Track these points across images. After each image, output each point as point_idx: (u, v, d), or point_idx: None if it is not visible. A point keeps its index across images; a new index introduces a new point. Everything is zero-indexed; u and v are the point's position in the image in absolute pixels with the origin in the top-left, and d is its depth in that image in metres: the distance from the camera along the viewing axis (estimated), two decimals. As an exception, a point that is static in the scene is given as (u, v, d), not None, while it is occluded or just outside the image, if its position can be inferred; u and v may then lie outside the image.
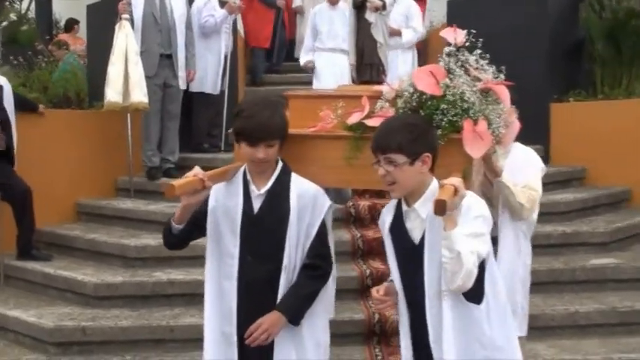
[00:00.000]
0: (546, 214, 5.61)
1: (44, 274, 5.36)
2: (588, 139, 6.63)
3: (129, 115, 6.26)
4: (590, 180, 6.60)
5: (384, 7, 7.51)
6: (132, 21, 6.15)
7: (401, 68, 7.15)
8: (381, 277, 4.87)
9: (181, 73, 6.47)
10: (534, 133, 6.84)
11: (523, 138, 6.93)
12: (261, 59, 9.32)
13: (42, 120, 6.27)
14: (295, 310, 2.77)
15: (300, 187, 2.78)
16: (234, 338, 2.79)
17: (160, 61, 6.32)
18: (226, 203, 2.79)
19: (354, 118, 2.85)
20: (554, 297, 4.94)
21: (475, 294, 2.48)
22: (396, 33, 7.50)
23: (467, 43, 3.02)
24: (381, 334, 4.64)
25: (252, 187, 2.78)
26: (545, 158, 6.82)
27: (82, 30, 9.64)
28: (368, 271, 4.99)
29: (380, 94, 2.89)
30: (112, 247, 5.42)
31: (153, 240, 5.31)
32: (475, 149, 2.66)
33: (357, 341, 4.62)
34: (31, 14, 10.87)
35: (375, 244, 5.25)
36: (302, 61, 7.56)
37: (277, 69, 9.54)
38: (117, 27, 6.05)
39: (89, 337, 4.67)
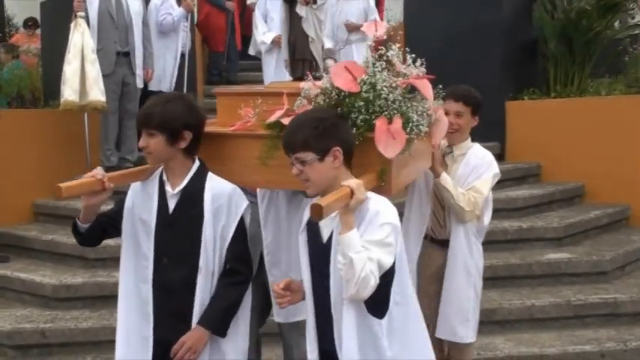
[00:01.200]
0: (503, 210, 5.76)
1: (1, 277, 5.26)
2: (543, 137, 6.79)
3: (86, 114, 6.18)
4: (545, 176, 6.75)
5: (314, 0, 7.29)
6: (87, 19, 6.06)
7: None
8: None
9: (139, 72, 6.41)
10: (490, 130, 6.99)
11: (479, 136, 7.10)
12: (220, 61, 9.19)
13: (-5, 120, 6.15)
14: (219, 323, 2.70)
15: (216, 187, 2.70)
16: (151, 342, 2.71)
17: (117, 59, 6.26)
18: (142, 203, 2.72)
19: (274, 117, 2.69)
20: (511, 291, 5.06)
21: (377, 307, 2.36)
22: (354, 28, 7.19)
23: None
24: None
25: (167, 187, 2.71)
26: (502, 155, 6.99)
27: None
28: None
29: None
30: (70, 248, 5.34)
31: (112, 240, 5.15)
32: (388, 149, 2.50)
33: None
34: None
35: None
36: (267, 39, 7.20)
37: (230, 79, 9.09)
38: (72, 25, 5.96)
39: (49, 340, 4.61)
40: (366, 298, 2.31)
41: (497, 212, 5.69)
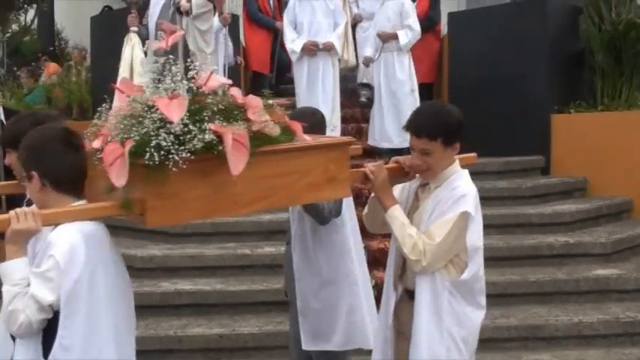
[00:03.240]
0: (549, 224, 5.71)
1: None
2: (589, 150, 6.70)
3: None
4: (592, 191, 6.65)
5: (187, 12, 6.42)
6: (142, 32, 6.19)
7: (399, 74, 6.78)
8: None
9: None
10: (535, 143, 6.98)
11: (525, 149, 7.07)
12: (265, 84, 8.48)
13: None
14: None
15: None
16: None
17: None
18: None
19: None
20: (557, 307, 4.99)
21: (45, 345, 2.18)
22: (390, 37, 6.78)
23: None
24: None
25: None
26: (547, 169, 6.92)
27: (86, 41, 9.69)
28: (373, 282, 5.00)
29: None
30: (118, 258, 5.44)
31: (159, 251, 5.35)
32: (114, 176, 2.11)
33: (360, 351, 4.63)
34: (34, 25, 10.94)
35: (379, 254, 5.29)
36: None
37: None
38: (125, 39, 6.11)
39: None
40: (22, 335, 2.17)
41: (543, 227, 5.70)
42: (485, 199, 5.94)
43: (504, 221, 5.73)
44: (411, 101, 6.62)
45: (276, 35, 8.32)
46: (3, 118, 5.82)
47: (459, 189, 2.71)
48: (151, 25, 6.28)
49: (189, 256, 5.28)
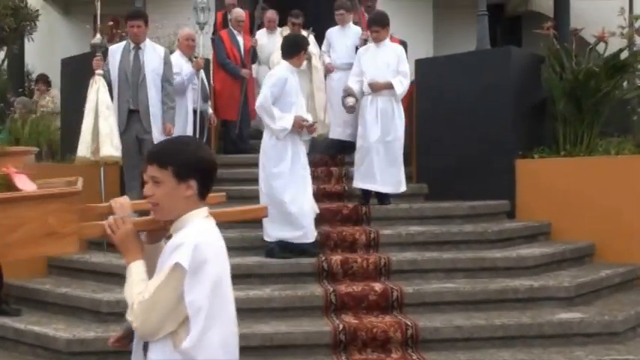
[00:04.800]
0: (514, 268, 5.79)
1: (15, 330, 5.28)
2: (553, 195, 6.86)
3: (102, 168, 6.28)
4: (556, 235, 6.79)
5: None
6: (107, 76, 6.23)
7: (397, 120, 6.72)
8: (355, 332, 4.95)
9: (154, 128, 6.48)
10: (500, 188, 7.12)
11: (490, 193, 7.20)
12: (232, 130, 8.63)
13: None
14: None
15: None
16: None
17: (129, 116, 6.39)
18: None
19: None
20: (522, 351, 5.01)
21: None
22: (383, 87, 6.67)
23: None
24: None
25: None
26: (512, 213, 7.05)
27: (55, 83, 9.72)
28: (341, 326, 5.03)
29: None
30: (84, 302, 5.38)
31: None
32: None
33: None
34: (4, 66, 10.89)
35: (347, 298, 5.32)
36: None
37: (240, 147, 8.56)
38: (90, 82, 6.14)
39: (60, 394, 4.61)
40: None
41: (508, 271, 5.78)
42: (451, 243, 6.12)
43: (470, 265, 5.81)
44: (399, 145, 6.76)
45: (242, 83, 8.46)
46: None
47: (180, 237, 2.32)
48: (112, 72, 6.33)
49: (156, 300, 5.23)
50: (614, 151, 7.08)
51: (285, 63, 6.00)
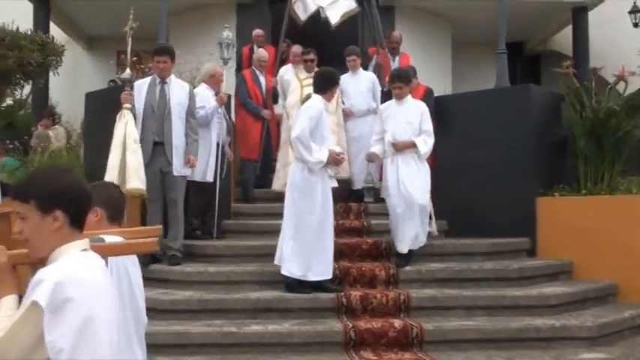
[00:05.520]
0: (535, 307, 5.73)
1: None
2: (574, 233, 6.81)
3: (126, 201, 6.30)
4: (578, 273, 6.72)
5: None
6: (133, 110, 6.31)
7: (417, 180, 6.38)
8: (374, 369, 4.90)
9: (176, 160, 6.53)
10: (522, 225, 7.08)
11: (511, 231, 7.16)
12: (252, 171, 8.42)
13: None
14: None
15: None
16: None
17: (154, 148, 6.43)
18: None
19: None
20: (545, 391, 4.95)
21: None
22: (407, 146, 6.37)
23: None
24: None
25: None
26: (533, 251, 7.00)
27: (80, 116, 9.85)
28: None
29: None
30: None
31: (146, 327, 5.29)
32: None
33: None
34: (28, 99, 11.11)
35: (367, 334, 5.28)
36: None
37: (263, 183, 8.43)
38: (118, 116, 6.21)
39: None
40: None
41: (529, 309, 5.71)
42: (472, 280, 6.08)
43: (491, 302, 5.76)
44: (424, 203, 6.38)
45: (263, 123, 8.36)
46: None
47: (42, 273, 2.12)
48: (138, 106, 6.41)
49: (175, 333, 5.23)
50: (635, 189, 7.04)
51: (318, 97, 5.98)
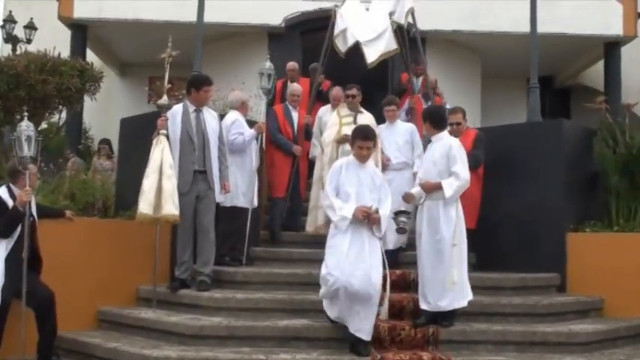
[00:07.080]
0: (565, 344, 5.65)
1: (63, 383, 5.34)
2: (605, 270, 6.74)
3: (158, 226, 6.37)
4: (608, 311, 6.63)
5: None
6: (168, 136, 6.39)
7: (444, 230, 5.75)
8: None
9: (216, 187, 6.62)
10: (551, 260, 7.02)
11: (540, 266, 7.08)
12: (280, 210, 8.04)
13: (66, 227, 6.42)
14: None
15: None
16: None
17: (194, 177, 6.49)
18: None
19: None
20: None
21: None
22: (434, 188, 5.81)
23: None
24: None
25: None
26: (562, 287, 6.93)
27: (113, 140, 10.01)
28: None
29: None
30: (133, 357, 5.41)
31: (173, 352, 5.32)
32: None
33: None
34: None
35: (395, 366, 5.25)
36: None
37: (290, 225, 8.12)
38: (154, 141, 6.30)
39: None
40: None
41: (559, 346, 5.64)
42: (500, 315, 6.02)
43: (520, 338, 5.70)
44: (456, 255, 5.74)
45: (294, 160, 8.10)
46: (35, 213, 5.96)
47: None
48: (174, 133, 6.49)
49: (204, 359, 5.24)
50: (668, 227, 6.95)
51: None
